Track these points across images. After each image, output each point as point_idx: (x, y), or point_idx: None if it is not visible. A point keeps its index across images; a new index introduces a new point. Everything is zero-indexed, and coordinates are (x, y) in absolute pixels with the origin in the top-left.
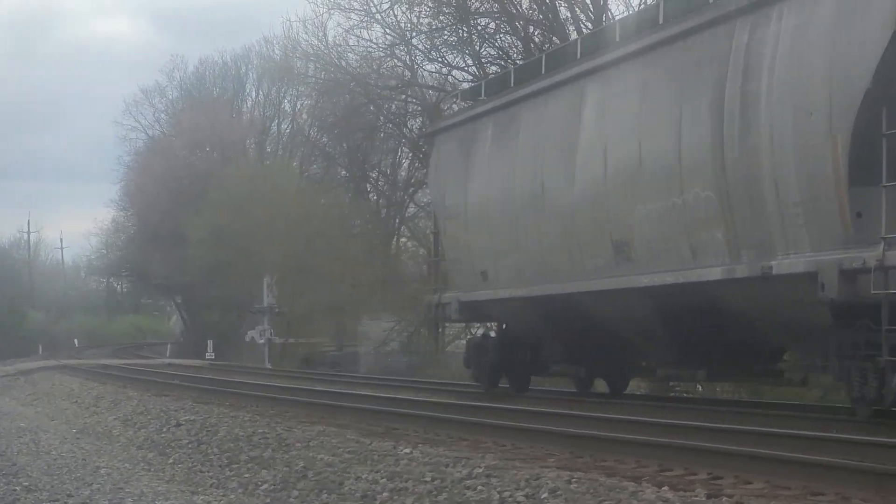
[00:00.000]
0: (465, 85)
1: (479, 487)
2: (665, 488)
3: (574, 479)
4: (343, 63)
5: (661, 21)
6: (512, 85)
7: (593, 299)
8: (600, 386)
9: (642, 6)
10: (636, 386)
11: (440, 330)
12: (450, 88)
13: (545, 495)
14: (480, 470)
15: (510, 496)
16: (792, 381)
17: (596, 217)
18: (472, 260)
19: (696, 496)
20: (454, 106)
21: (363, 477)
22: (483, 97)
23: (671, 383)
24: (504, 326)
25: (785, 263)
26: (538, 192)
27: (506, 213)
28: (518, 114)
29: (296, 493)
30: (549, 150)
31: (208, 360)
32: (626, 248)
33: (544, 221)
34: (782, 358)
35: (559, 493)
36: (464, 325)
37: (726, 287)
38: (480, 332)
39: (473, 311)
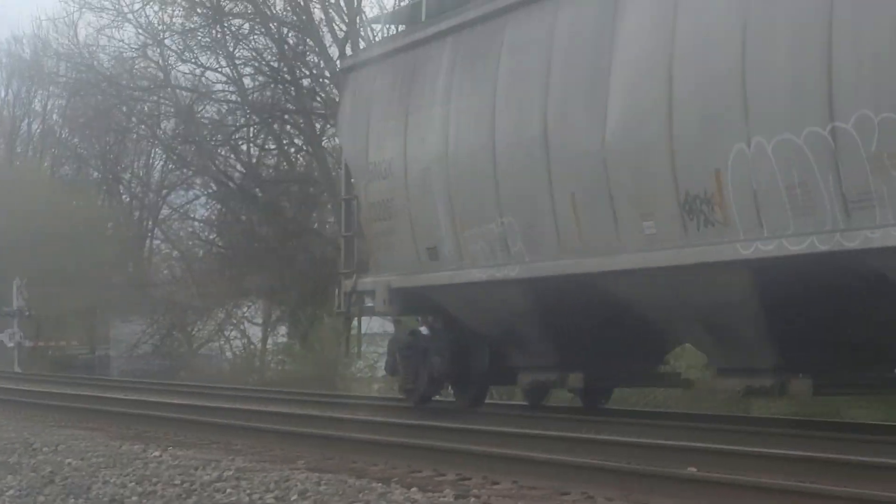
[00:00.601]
0: (220, 86)
1: (229, 490)
2: (414, 489)
3: (323, 481)
4: (95, 63)
5: None
6: None
7: (645, 279)
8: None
9: (397, 7)
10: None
11: (351, 325)
12: (203, 90)
13: (294, 497)
14: (230, 472)
15: (259, 499)
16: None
17: (649, 164)
18: (413, 234)
19: (445, 497)
20: (374, 35)
21: (111, 481)
22: (424, 19)
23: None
24: (449, 322)
25: None
26: (539, 137)
27: (479, 168)
28: (498, 32)
29: (42, 498)
30: (560, 77)
31: None
32: (708, 207)
33: (554, 175)
34: None
35: (308, 494)
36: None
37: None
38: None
39: (410, 301)
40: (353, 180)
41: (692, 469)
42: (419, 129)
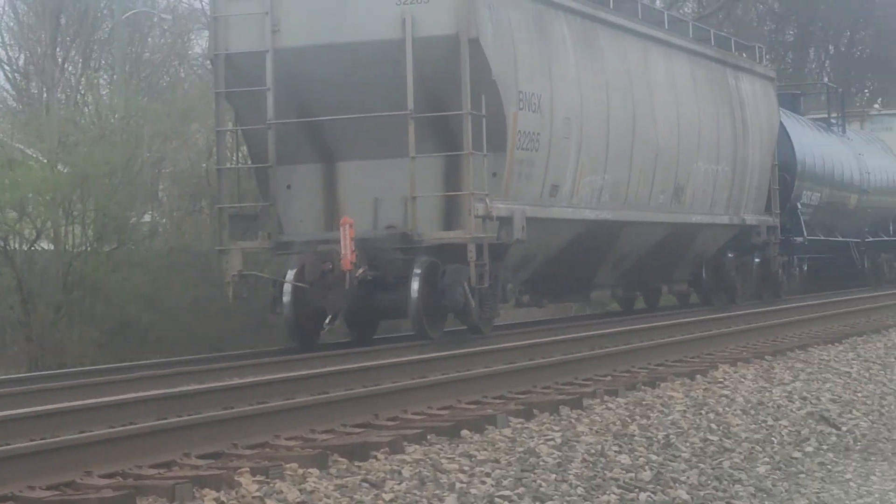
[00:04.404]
0: None
1: None
2: None
3: None
4: None
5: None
6: None
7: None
8: None
9: None
10: None
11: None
12: None
13: None
14: None
15: None
16: None
17: (667, 164)
18: (546, 169)
19: None
20: None
21: None
22: None
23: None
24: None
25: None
26: (630, 122)
27: (599, 131)
28: (597, 34)
29: None
30: (633, 86)
31: None
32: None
33: (634, 154)
34: None
35: None
36: None
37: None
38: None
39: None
40: (501, 100)
41: None
42: (562, 81)
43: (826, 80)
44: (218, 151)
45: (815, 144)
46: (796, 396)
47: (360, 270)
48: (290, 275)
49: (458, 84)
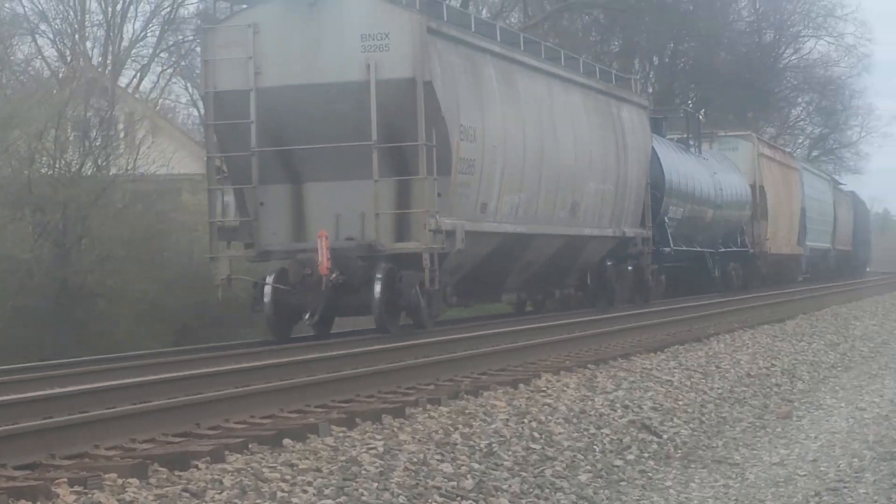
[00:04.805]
0: None
1: None
2: None
3: None
4: None
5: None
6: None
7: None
8: None
9: None
10: None
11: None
12: None
13: None
14: None
15: None
16: None
17: (565, 185)
18: (479, 191)
19: None
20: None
21: None
22: (473, 30)
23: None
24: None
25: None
26: (539, 150)
27: (517, 158)
28: (514, 73)
29: None
30: (542, 118)
31: None
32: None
33: (542, 176)
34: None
35: None
36: None
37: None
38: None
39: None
40: (448, 133)
41: None
42: (491, 114)
43: (651, 90)
44: (209, 174)
45: (679, 164)
46: (618, 405)
47: (334, 275)
48: (270, 278)
49: (413, 119)
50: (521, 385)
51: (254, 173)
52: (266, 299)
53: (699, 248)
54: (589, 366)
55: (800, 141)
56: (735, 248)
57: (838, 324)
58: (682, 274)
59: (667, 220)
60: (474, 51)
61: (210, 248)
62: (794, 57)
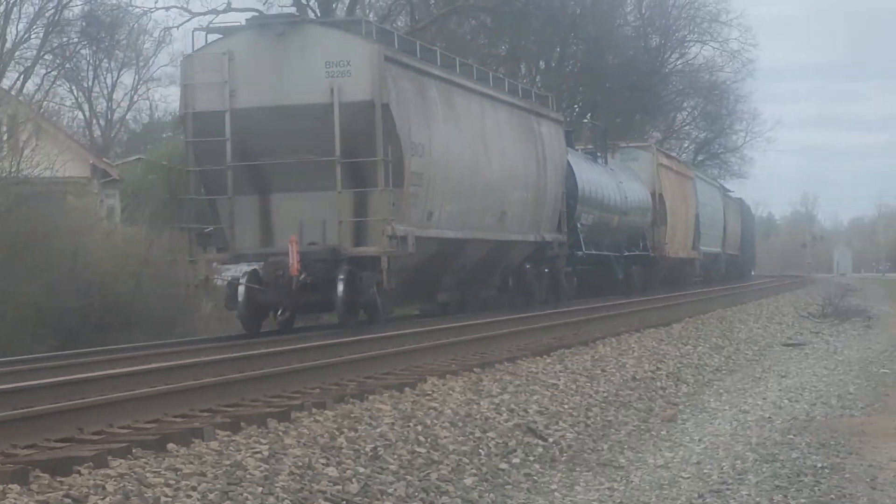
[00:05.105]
0: None
1: None
2: None
3: None
4: None
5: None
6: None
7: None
8: None
9: None
10: None
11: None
12: None
13: None
14: None
15: None
16: None
17: (494, 195)
18: (426, 201)
19: None
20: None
21: None
22: (419, 56)
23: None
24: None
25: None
26: (473, 164)
27: (455, 172)
28: (453, 95)
29: None
30: (477, 135)
31: None
32: (504, 217)
33: (476, 187)
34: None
35: None
36: None
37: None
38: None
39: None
40: (402, 149)
41: None
42: (436, 132)
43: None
44: (191, 185)
45: (589, 174)
46: (504, 408)
47: (303, 276)
48: (244, 279)
49: (371, 137)
50: (407, 389)
51: (229, 185)
52: (240, 298)
53: (607, 252)
54: (475, 369)
55: (685, 145)
56: (637, 252)
57: (723, 327)
58: (590, 276)
59: (579, 226)
60: (421, 75)
61: (190, 251)
62: (679, 61)
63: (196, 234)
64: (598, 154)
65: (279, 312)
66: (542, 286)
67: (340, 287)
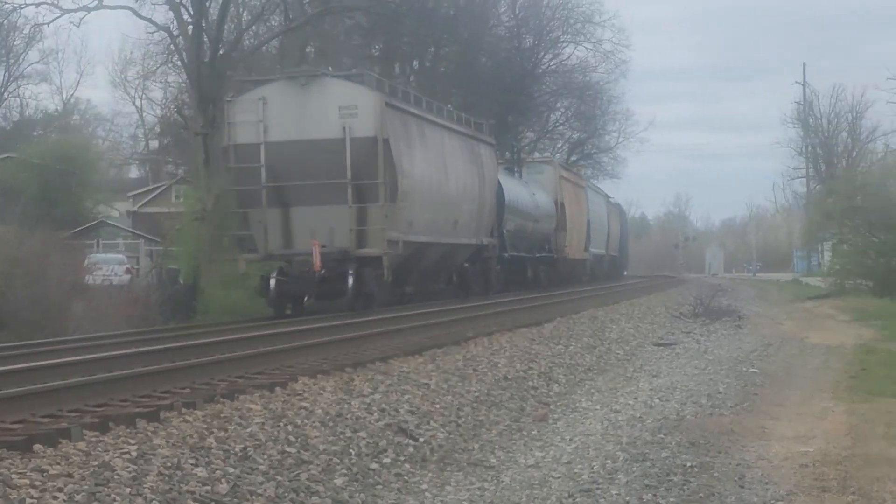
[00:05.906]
0: None
1: None
2: None
3: None
4: None
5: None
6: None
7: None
8: None
9: None
10: None
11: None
12: None
13: None
14: None
15: None
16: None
17: (452, 207)
18: (410, 213)
19: None
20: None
21: None
22: (400, 97)
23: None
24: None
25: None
26: (440, 183)
27: (429, 191)
28: (424, 128)
29: None
30: (440, 159)
31: None
32: (457, 224)
33: (441, 203)
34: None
35: None
36: None
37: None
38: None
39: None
40: (396, 174)
41: None
42: (416, 160)
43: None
44: (235, 202)
45: (512, 186)
46: (375, 408)
47: (323, 271)
48: (274, 273)
49: (374, 164)
50: (278, 388)
51: (264, 201)
52: (272, 288)
53: (524, 254)
54: (347, 369)
55: (559, 145)
56: (545, 254)
57: (595, 327)
58: (510, 274)
59: (505, 232)
60: (406, 115)
61: (233, 252)
62: (553, 62)
63: (237, 239)
64: (515, 169)
65: (306, 299)
66: (478, 282)
67: (351, 280)
